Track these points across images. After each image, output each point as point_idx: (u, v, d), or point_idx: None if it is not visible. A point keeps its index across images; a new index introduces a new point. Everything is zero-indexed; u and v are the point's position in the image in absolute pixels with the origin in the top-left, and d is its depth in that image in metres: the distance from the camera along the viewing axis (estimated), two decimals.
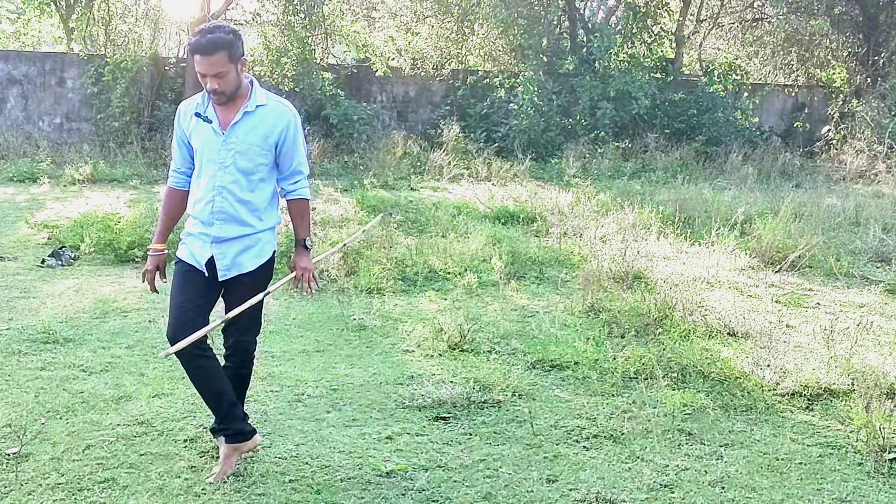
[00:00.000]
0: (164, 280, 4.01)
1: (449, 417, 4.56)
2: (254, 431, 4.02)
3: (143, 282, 4.02)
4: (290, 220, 4.03)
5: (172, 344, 3.63)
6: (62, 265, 7.80)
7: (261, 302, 3.90)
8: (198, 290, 3.83)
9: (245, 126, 3.73)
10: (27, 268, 7.72)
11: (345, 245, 5.04)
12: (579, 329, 6.16)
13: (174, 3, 18.43)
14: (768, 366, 5.22)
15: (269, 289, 3.92)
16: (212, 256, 3.79)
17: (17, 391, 4.71)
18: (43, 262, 7.83)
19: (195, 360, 3.78)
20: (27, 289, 6.96)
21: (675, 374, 5.19)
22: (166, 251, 4.04)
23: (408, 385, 5.01)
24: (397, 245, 8.53)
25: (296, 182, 3.91)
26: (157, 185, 13.42)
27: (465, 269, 7.82)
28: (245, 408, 4.48)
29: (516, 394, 4.90)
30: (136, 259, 7.93)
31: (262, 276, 3.91)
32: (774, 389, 5.00)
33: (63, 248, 8.15)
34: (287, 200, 3.96)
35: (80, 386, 4.82)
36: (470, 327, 5.84)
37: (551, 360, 5.45)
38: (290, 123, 3.80)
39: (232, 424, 3.89)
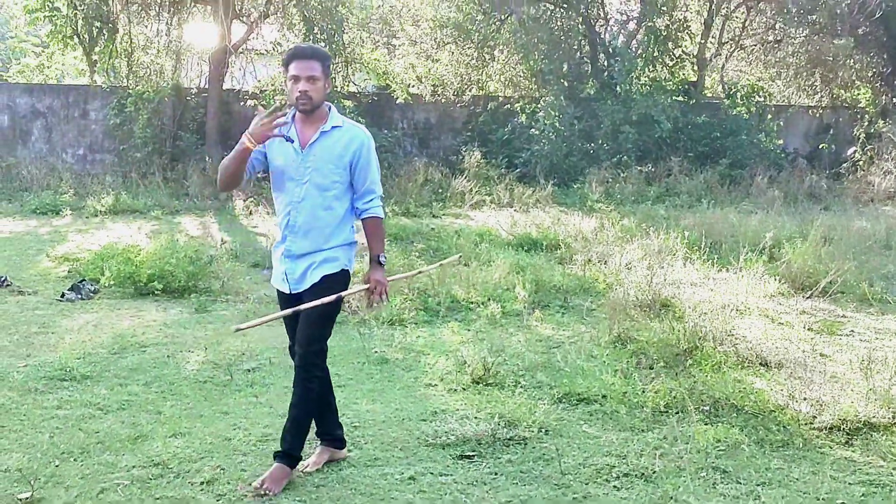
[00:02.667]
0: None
1: (474, 456, 4.40)
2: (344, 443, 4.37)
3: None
4: (364, 239, 4.21)
5: (293, 357, 4.15)
6: (82, 299, 7.74)
7: (329, 316, 4.04)
8: (289, 304, 4.04)
9: (322, 145, 3.95)
10: (47, 302, 7.66)
11: (420, 273, 5.50)
12: (606, 360, 5.99)
13: (196, 34, 18.54)
14: (804, 399, 5.04)
15: (343, 293, 4.03)
16: (284, 272, 4.05)
17: (31, 432, 4.60)
18: (63, 295, 7.77)
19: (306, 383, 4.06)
20: (46, 323, 6.89)
21: (707, 408, 5.01)
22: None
23: (431, 421, 4.86)
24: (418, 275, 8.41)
25: (369, 201, 4.09)
26: (178, 216, 13.44)
27: (489, 299, 7.68)
28: (262, 448, 4.40)
29: (543, 430, 4.74)
30: (156, 292, 7.86)
31: (331, 291, 3.97)
32: (811, 423, 4.81)
33: (83, 282, 8.09)
34: (361, 219, 4.14)
35: (96, 425, 4.71)
36: (494, 360, 5.69)
37: (578, 394, 5.28)
38: (363, 144, 4.01)
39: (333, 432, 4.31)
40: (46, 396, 5.16)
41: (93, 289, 7.98)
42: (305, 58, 3.89)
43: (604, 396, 5.25)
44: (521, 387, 5.47)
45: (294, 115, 3.99)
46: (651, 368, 5.81)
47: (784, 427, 4.76)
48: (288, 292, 4.07)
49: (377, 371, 5.81)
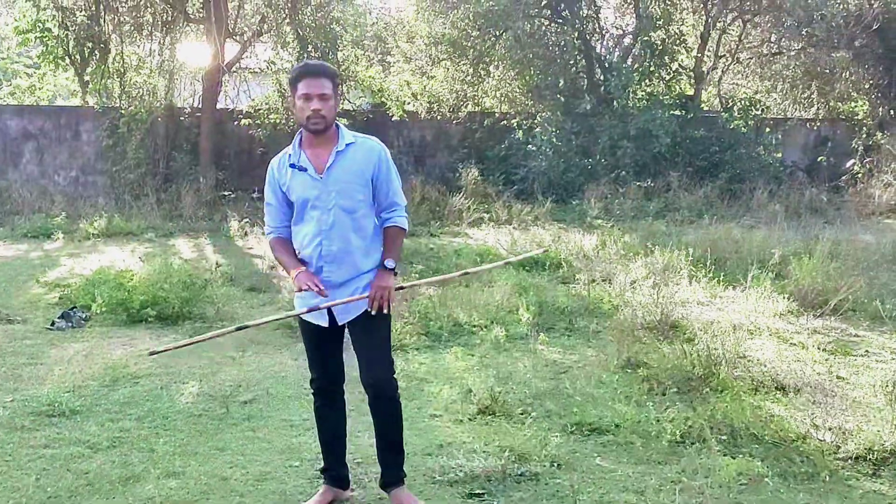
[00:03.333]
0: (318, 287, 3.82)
1: (483, 494, 4.18)
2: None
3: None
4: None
5: (316, 391, 4.09)
6: (72, 327, 7.51)
7: (388, 335, 3.98)
8: (324, 342, 3.97)
9: (340, 165, 3.80)
10: (36, 331, 7.42)
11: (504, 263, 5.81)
12: (617, 387, 5.78)
13: (189, 53, 18.38)
14: (829, 428, 4.82)
15: (343, 300, 3.84)
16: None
17: (17, 473, 4.37)
18: (52, 324, 7.55)
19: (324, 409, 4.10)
20: (35, 354, 6.65)
21: (725, 438, 4.80)
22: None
23: (437, 456, 4.65)
24: (419, 296, 8.21)
25: (393, 211, 3.96)
26: (172, 238, 13.23)
27: (492, 322, 7.47)
28: (261, 487, 4.19)
29: (555, 464, 4.52)
30: (149, 319, 7.63)
31: (381, 315, 3.87)
32: (836, 453, 4.59)
33: (73, 309, 7.86)
34: (383, 227, 3.98)
35: (86, 465, 4.48)
36: (501, 389, 5.47)
37: (590, 424, 5.07)
38: (381, 156, 3.88)
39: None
40: (33, 434, 4.93)
41: (84, 316, 7.75)
42: (316, 75, 3.74)
43: (616, 426, 5.03)
44: (530, 416, 5.25)
45: (300, 141, 3.85)
46: (663, 395, 5.60)
47: (807, 458, 4.55)
48: (326, 325, 3.90)
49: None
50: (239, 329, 4.04)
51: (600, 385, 5.86)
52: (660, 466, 4.52)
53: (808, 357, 6.49)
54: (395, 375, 3.98)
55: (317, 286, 3.71)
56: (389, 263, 3.90)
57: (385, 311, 3.84)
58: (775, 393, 5.62)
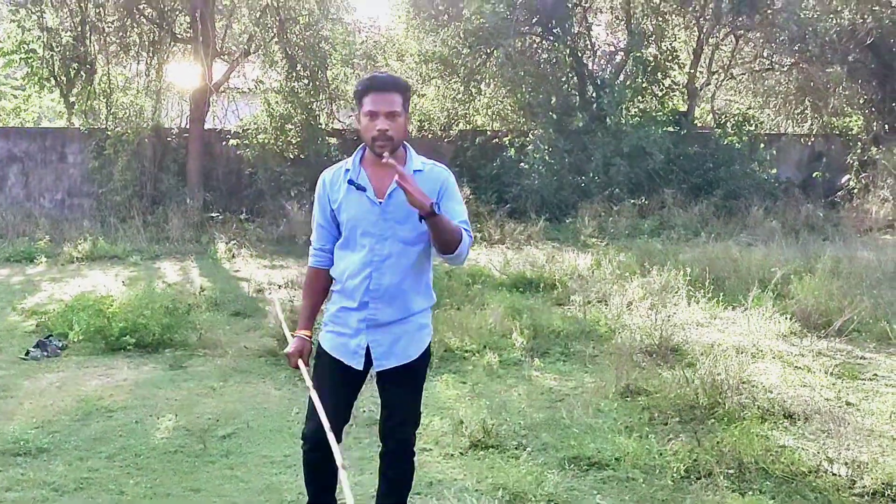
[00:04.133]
0: (308, 366, 3.57)
1: None
2: None
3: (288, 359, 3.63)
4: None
5: (306, 441, 3.51)
6: (48, 356, 7.20)
7: (419, 390, 3.60)
8: (344, 385, 3.54)
9: (403, 192, 3.22)
10: (10, 360, 7.10)
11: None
12: (616, 416, 5.50)
13: (176, 73, 18.14)
14: (844, 463, 4.55)
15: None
16: (366, 345, 3.44)
17: None
18: (27, 353, 7.23)
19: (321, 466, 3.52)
20: (6, 386, 6.33)
21: (732, 472, 4.52)
22: (312, 337, 3.61)
23: (426, 495, 4.36)
24: None
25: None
26: (158, 261, 12.93)
27: (484, 346, 7.20)
28: None
29: (552, 503, 4.24)
30: (128, 347, 7.32)
31: (421, 366, 3.55)
32: (851, 489, 4.32)
33: (49, 338, 7.56)
34: None
35: None
36: (494, 421, 5.19)
37: (588, 458, 4.78)
38: (446, 180, 3.47)
39: None
40: None
41: (60, 345, 7.44)
42: (385, 90, 3.30)
43: (616, 460, 4.75)
44: (525, 450, 4.97)
45: (362, 156, 3.44)
46: (666, 425, 5.32)
47: (821, 494, 4.28)
48: (361, 369, 3.46)
49: (365, 434, 5.24)
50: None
51: (599, 414, 5.58)
52: None
53: (815, 382, 6.23)
54: (415, 436, 3.66)
55: (297, 363, 3.49)
56: (436, 207, 3.22)
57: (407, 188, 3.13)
58: (783, 422, 5.34)
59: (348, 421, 3.64)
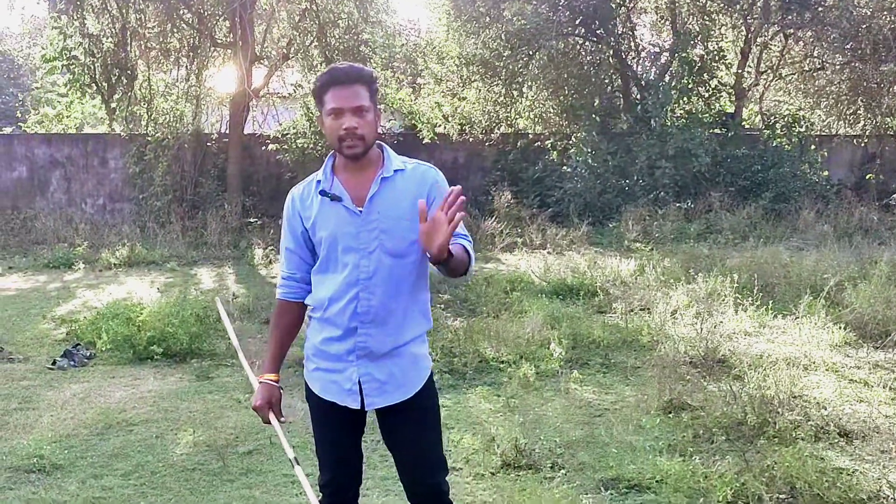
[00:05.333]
0: (283, 419, 3.17)
1: None
2: None
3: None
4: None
5: (324, 489, 3.10)
6: (74, 366, 7.06)
7: (438, 432, 3.09)
8: (347, 430, 3.09)
9: (386, 196, 2.91)
10: (36, 370, 6.98)
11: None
12: (658, 434, 5.18)
13: (216, 78, 18.12)
14: None
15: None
16: (357, 379, 2.96)
17: None
18: (54, 363, 7.11)
19: None
20: (28, 397, 6.19)
21: (784, 498, 4.19)
22: (279, 383, 3.17)
23: None
24: (444, 329, 7.67)
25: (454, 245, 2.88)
26: (195, 267, 12.83)
27: (521, 357, 6.91)
28: None
29: None
30: (156, 357, 7.17)
31: (428, 399, 3.06)
32: None
33: (77, 347, 7.44)
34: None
35: None
36: (526, 440, 4.90)
37: (628, 480, 4.49)
38: (436, 180, 2.98)
39: None
40: (6, 494, 4.44)
41: (87, 354, 7.31)
42: (348, 83, 2.85)
43: (658, 482, 4.45)
44: (560, 470, 4.68)
45: (333, 164, 3.01)
46: (711, 443, 4.99)
47: None
48: (359, 408, 2.99)
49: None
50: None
51: (640, 431, 5.27)
52: None
53: (872, 397, 5.85)
54: (448, 485, 3.12)
55: (268, 417, 3.08)
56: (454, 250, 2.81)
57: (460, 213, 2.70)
58: (839, 441, 4.99)
59: (362, 460, 3.20)
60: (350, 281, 2.91)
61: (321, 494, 3.15)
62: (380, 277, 2.91)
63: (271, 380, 3.13)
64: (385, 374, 2.97)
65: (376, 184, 2.91)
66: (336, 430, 3.07)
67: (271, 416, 3.10)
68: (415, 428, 3.03)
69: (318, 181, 2.99)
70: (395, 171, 2.95)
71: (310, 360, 3.08)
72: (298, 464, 3.01)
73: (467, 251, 2.90)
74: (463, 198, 2.68)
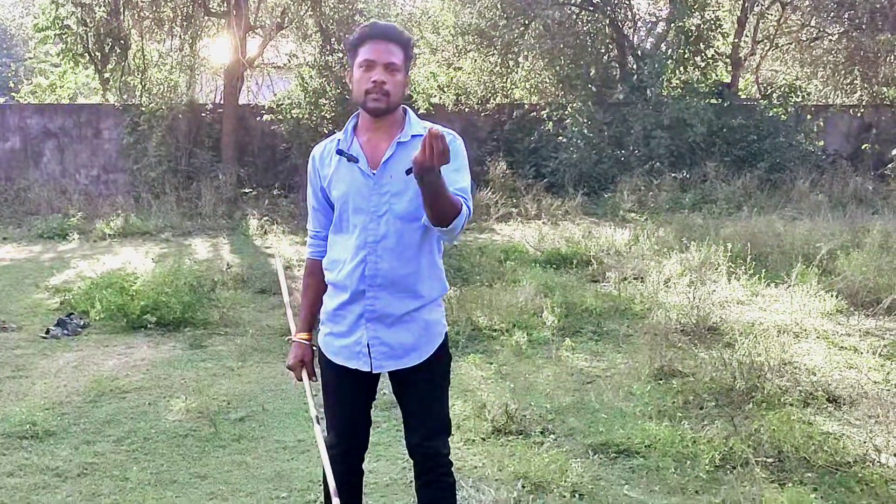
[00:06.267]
0: (314, 379, 3.14)
1: None
2: None
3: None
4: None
5: (330, 449, 3.03)
6: (68, 335, 7.07)
7: (445, 395, 3.09)
8: (358, 393, 3.08)
9: (400, 161, 2.86)
10: (30, 339, 6.99)
11: None
12: (648, 400, 5.20)
13: (210, 48, 18.01)
14: (894, 452, 4.22)
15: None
16: (367, 342, 2.94)
17: None
18: (47, 332, 7.11)
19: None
20: (22, 366, 6.20)
21: (771, 461, 4.22)
22: (312, 341, 3.15)
23: None
24: None
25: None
26: (190, 238, 12.83)
27: (513, 326, 6.93)
28: None
29: (577, 493, 3.98)
30: (149, 325, 7.17)
31: (440, 364, 3.05)
32: None
33: (71, 316, 7.45)
34: None
35: (49, 498, 4.01)
36: (517, 406, 4.93)
37: (617, 444, 4.52)
38: (453, 145, 2.80)
39: None
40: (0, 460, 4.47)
41: (81, 323, 7.32)
42: (384, 38, 2.83)
43: (647, 447, 4.48)
44: (550, 435, 4.71)
45: (356, 124, 2.99)
46: (701, 409, 5.03)
47: (868, 486, 3.96)
48: (369, 370, 2.97)
49: (384, 418, 5.02)
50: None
51: (630, 398, 5.30)
52: (697, 497, 3.96)
53: (861, 363, 5.88)
54: (449, 447, 3.12)
55: (301, 375, 3.06)
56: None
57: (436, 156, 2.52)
58: (827, 406, 5.02)
59: (370, 425, 3.21)
60: (359, 244, 2.90)
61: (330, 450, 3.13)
62: (389, 242, 2.89)
63: (303, 339, 3.14)
64: (395, 339, 2.94)
65: (392, 147, 2.89)
66: (347, 395, 3.07)
67: (303, 375, 3.11)
68: (425, 389, 3.03)
69: (339, 140, 2.98)
70: (413, 136, 2.90)
71: (324, 324, 3.07)
72: (319, 423, 3.02)
73: (460, 203, 2.78)
74: (440, 137, 2.50)
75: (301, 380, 3.12)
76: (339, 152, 2.93)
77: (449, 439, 3.11)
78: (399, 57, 2.84)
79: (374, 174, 2.89)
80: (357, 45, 2.87)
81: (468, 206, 2.82)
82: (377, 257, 2.88)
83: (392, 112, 2.89)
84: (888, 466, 4.12)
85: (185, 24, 17.43)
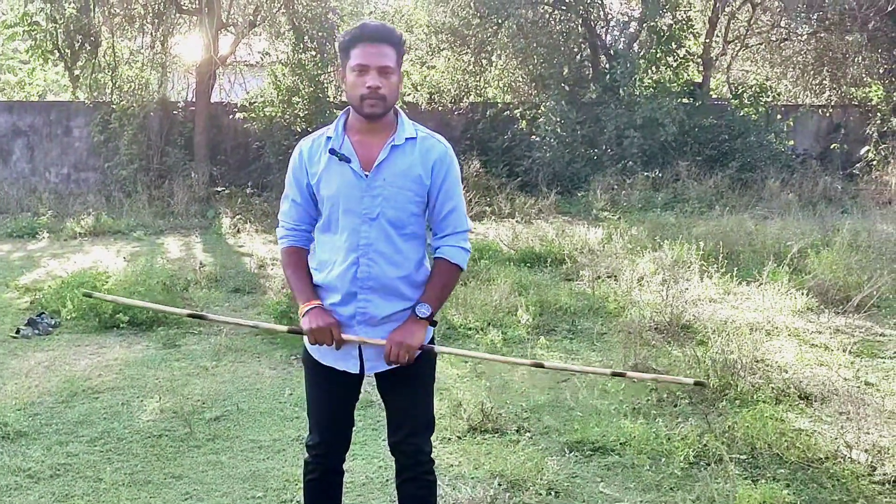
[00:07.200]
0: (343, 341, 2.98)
1: None
2: None
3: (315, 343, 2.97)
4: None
5: (315, 459, 3.12)
6: (39, 335, 6.99)
7: (428, 394, 3.11)
8: (342, 395, 3.10)
9: (394, 164, 2.89)
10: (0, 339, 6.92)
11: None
12: (623, 398, 5.24)
13: (182, 46, 17.87)
14: (864, 448, 4.28)
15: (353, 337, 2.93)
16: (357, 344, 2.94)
17: None
18: (18, 332, 7.03)
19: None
20: None
21: (745, 458, 4.27)
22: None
23: None
24: None
25: (448, 237, 3.01)
26: (162, 236, 12.72)
27: (488, 324, 6.95)
28: None
29: (553, 491, 4.01)
30: (122, 325, 7.11)
31: (426, 364, 3.04)
32: (871, 476, 4.06)
33: (42, 315, 7.36)
34: (433, 258, 3.04)
35: (21, 499, 3.97)
36: (493, 405, 4.94)
37: (592, 442, 4.54)
38: (445, 160, 2.94)
39: None
40: None
41: (52, 323, 7.24)
42: (376, 41, 2.81)
43: (622, 445, 4.51)
44: (526, 433, 4.73)
45: (345, 122, 2.97)
46: (675, 407, 5.07)
47: (839, 482, 4.02)
48: (357, 372, 3.00)
49: (360, 417, 4.97)
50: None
51: (605, 395, 5.33)
52: (672, 494, 3.99)
53: (832, 360, 5.95)
54: (431, 452, 3.13)
55: (338, 335, 2.89)
56: (422, 310, 2.91)
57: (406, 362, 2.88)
58: (799, 403, 5.08)
59: (353, 426, 3.21)
60: (350, 246, 2.90)
61: (308, 456, 3.16)
62: (379, 246, 2.90)
63: (319, 304, 2.96)
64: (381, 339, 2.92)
65: (385, 150, 2.89)
66: (331, 394, 3.06)
67: (344, 336, 2.93)
68: (409, 388, 3.04)
69: (329, 137, 2.95)
70: (407, 139, 2.92)
71: None
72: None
73: (456, 270, 3.02)
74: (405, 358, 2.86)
75: (342, 342, 2.93)
76: (332, 151, 2.90)
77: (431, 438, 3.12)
78: (392, 58, 2.84)
79: (366, 176, 2.89)
80: (349, 48, 2.85)
81: (464, 244, 3.04)
82: (369, 260, 2.89)
83: (387, 114, 2.90)
84: (859, 462, 4.18)
85: (156, 21, 17.27)
